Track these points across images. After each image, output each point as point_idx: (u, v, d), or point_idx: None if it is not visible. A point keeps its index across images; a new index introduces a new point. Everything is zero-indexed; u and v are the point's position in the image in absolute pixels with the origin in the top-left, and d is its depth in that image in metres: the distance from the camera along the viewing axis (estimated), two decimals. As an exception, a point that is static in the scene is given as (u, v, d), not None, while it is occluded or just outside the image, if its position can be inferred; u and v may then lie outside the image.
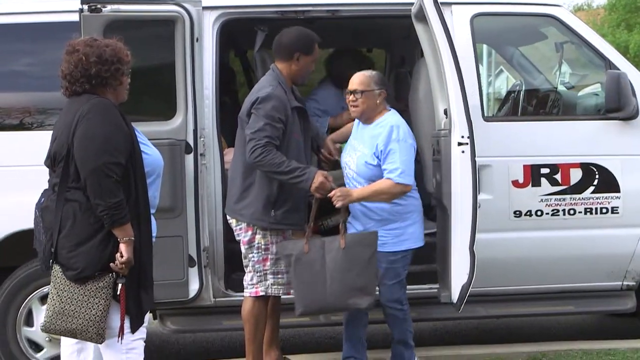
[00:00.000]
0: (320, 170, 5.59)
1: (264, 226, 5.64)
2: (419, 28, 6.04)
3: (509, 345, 6.69)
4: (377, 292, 5.66)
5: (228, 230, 6.16)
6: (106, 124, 4.17)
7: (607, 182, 6.35)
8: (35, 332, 6.23)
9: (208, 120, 6.16)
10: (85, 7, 5.67)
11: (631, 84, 6.27)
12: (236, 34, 7.08)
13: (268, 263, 5.69)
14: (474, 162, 5.69)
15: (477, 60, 6.35)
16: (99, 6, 5.68)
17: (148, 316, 4.48)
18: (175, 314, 6.30)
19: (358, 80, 5.67)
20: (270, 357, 6.02)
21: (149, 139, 4.58)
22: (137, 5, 5.90)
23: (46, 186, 4.40)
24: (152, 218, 4.43)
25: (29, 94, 6.42)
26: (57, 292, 4.20)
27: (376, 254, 5.47)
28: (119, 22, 5.70)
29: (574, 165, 6.33)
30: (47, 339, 6.21)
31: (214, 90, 6.19)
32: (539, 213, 6.32)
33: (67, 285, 4.18)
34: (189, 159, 6.00)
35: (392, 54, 8.45)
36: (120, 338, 4.21)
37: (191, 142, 6.00)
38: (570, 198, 6.34)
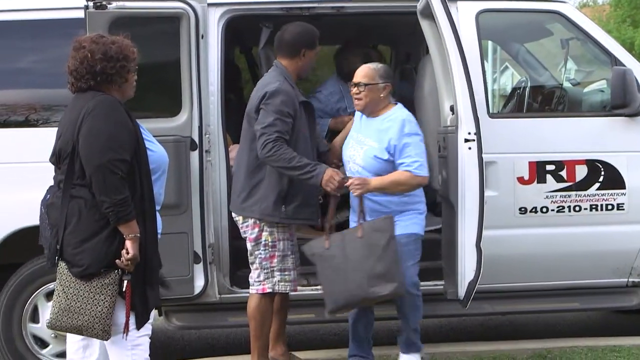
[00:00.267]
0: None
1: (275, 221, 5.64)
2: (424, 24, 6.03)
3: (514, 342, 6.69)
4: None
5: (233, 227, 6.16)
6: (111, 121, 4.17)
7: (613, 179, 6.34)
8: (41, 328, 6.24)
9: (213, 117, 6.17)
10: (91, 3, 5.68)
11: (637, 80, 6.26)
12: (241, 30, 7.08)
13: (275, 260, 5.69)
14: (480, 158, 5.69)
15: (483, 56, 6.34)
16: (104, 3, 5.69)
17: (153, 313, 4.48)
18: (180, 310, 6.31)
19: (363, 73, 5.66)
20: (276, 351, 6.03)
21: (154, 136, 4.58)
22: (143, 2, 5.90)
23: (51, 183, 4.40)
24: (158, 215, 4.43)
25: (34, 91, 6.43)
26: (63, 289, 4.20)
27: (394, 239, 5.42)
28: (124, 18, 5.71)
29: (580, 162, 6.32)
30: (52, 335, 6.22)
31: (219, 87, 6.19)
32: (544, 210, 6.32)
33: (73, 282, 4.18)
34: (194, 155, 6.01)
35: (397, 50, 8.44)
36: (125, 334, 4.22)
37: (196, 139, 6.01)
38: (576, 195, 6.33)
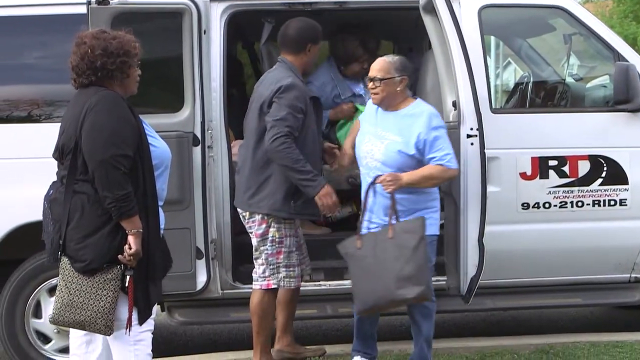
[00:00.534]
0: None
1: (284, 217, 5.64)
2: (427, 20, 6.02)
3: (516, 337, 6.68)
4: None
5: (235, 223, 6.17)
6: (113, 117, 4.17)
7: (615, 174, 6.34)
8: (44, 324, 6.25)
9: (215, 112, 6.16)
10: (93, -1, 5.68)
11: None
12: (243, 26, 7.07)
13: (281, 256, 5.70)
14: (483, 154, 5.69)
15: (485, 52, 6.33)
16: (106, -2, 5.69)
17: (156, 308, 4.48)
18: (183, 306, 6.31)
19: (378, 66, 5.50)
20: (283, 342, 6.05)
21: (157, 132, 4.57)
22: (145, -3, 5.91)
23: (54, 178, 4.41)
24: (160, 210, 4.44)
25: (36, 87, 6.42)
26: (66, 284, 4.20)
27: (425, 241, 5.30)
28: (127, 14, 5.71)
29: (582, 158, 6.31)
30: (55, 330, 6.22)
31: (222, 82, 6.19)
32: (546, 205, 6.31)
33: (76, 277, 4.18)
34: (197, 151, 6.01)
35: (400, 46, 8.43)
36: (127, 330, 4.22)
37: (199, 135, 6.01)
38: (578, 190, 6.33)
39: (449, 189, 5.91)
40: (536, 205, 6.31)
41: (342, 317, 6.34)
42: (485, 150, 5.78)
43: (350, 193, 6.14)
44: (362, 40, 6.83)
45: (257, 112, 5.67)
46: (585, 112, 6.56)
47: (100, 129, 4.12)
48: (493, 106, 6.31)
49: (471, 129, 5.72)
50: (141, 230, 4.16)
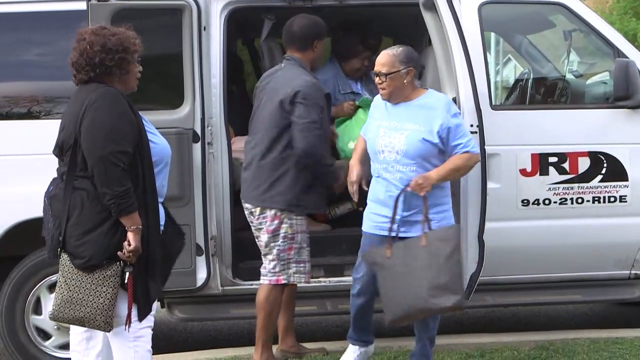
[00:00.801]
0: None
1: (300, 212, 5.68)
2: (427, 17, 6.03)
3: (516, 334, 6.69)
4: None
5: (236, 219, 6.17)
6: (113, 113, 4.16)
7: (615, 171, 6.34)
8: (44, 320, 6.25)
9: (215, 109, 6.15)
10: (93, -5, 5.67)
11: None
12: (243, 22, 7.07)
13: (292, 252, 5.72)
14: (483, 150, 5.69)
15: (485, 48, 6.32)
16: (106, -5, 5.68)
17: (156, 304, 4.48)
18: (183, 302, 6.31)
19: (383, 60, 5.34)
20: (286, 344, 6.05)
21: (157, 128, 4.57)
22: (145, -7, 5.90)
23: (54, 175, 4.41)
24: (161, 207, 4.44)
25: (36, 83, 6.42)
26: (65, 281, 4.21)
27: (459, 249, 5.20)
28: (127, 10, 5.70)
29: (582, 154, 6.31)
30: (55, 327, 6.23)
31: (222, 79, 6.18)
32: (546, 202, 6.31)
33: (75, 274, 4.18)
34: (197, 147, 6.00)
35: (399, 42, 8.40)
36: (127, 326, 4.22)
37: (198, 131, 6.00)
38: (578, 187, 6.33)
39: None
40: (536, 202, 6.31)
41: (342, 313, 6.34)
42: (485, 147, 5.78)
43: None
44: (362, 37, 6.83)
45: (276, 108, 5.64)
46: (585, 109, 6.56)
47: (100, 125, 4.12)
48: (493, 103, 6.30)
49: (471, 125, 5.72)
50: (140, 226, 4.17)
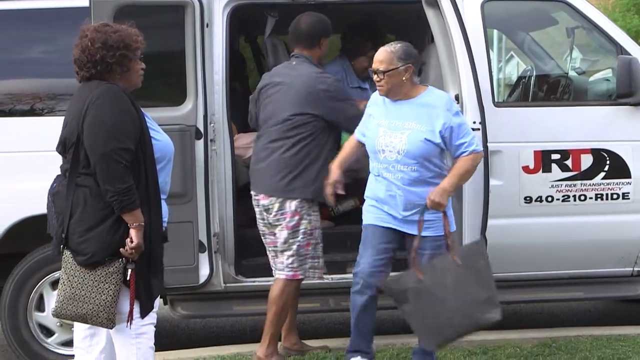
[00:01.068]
0: None
1: (321, 202, 5.73)
2: (429, 13, 6.02)
3: (519, 331, 6.68)
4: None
5: (238, 216, 6.17)
6: (115, 110, 4.17)
7: (618, 168, 6.34)
8: (47, 317, 6.25)
9: (218, 106, 6.15)
10: (96, -8, 5.67)
11: (642, 69, 6.25)
12: (246, 19, 7.07)
13: (310, 247, 5.74)
14: (485, 147, 5.69)
15: (488, 45, 6.32)
16: (109, -9, 5.69)
17: (158, 301, 4.48)
18: (185, 299, 6.31)
19: (380, 57, 5.28)
20: (289, 341, 6.06)
21: (159, 125, 4.57)
22: (147, -10, 5.90)
23: (57, 172, 4.41)
24: (164, 203, 4.44)
25: (40, 80, 6.43)
26: (68, 277, 4.21)
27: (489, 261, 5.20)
28: (129, 7, 5.70)
29: (585, 151, 6.31)
30: (58, 324, 6.23)
31: (224, 76, 6.18)
32: (549, 199, 6.31)
33: (78, 271, 4.19)
34: (199, 144, 6.00)
35: (402, 39, 8.40)
36: (129, 323, 4.23)
37: (201, 128, 6.00)
38: (581, 184, 6.33)
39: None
40: (539, 199, 6.31)
41: (344, 310, 6.32)
42: (488, 144, 5.78)
43: (353, 186, 6.13)
44: (368, 35, 6.82)
45: (298, 102, 5.67)
46: (588, 106, 6.56)
47: (102, 122, 4.12)
48: (496, 100, 6.30)
49: (474, 122, 5.71)
50: (143, 223, 4.17)
